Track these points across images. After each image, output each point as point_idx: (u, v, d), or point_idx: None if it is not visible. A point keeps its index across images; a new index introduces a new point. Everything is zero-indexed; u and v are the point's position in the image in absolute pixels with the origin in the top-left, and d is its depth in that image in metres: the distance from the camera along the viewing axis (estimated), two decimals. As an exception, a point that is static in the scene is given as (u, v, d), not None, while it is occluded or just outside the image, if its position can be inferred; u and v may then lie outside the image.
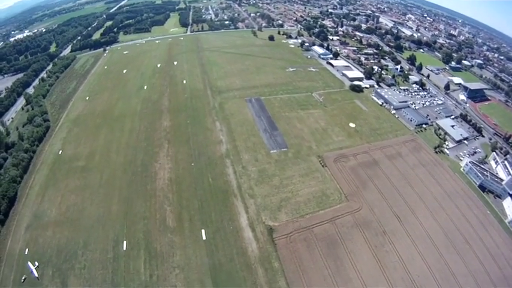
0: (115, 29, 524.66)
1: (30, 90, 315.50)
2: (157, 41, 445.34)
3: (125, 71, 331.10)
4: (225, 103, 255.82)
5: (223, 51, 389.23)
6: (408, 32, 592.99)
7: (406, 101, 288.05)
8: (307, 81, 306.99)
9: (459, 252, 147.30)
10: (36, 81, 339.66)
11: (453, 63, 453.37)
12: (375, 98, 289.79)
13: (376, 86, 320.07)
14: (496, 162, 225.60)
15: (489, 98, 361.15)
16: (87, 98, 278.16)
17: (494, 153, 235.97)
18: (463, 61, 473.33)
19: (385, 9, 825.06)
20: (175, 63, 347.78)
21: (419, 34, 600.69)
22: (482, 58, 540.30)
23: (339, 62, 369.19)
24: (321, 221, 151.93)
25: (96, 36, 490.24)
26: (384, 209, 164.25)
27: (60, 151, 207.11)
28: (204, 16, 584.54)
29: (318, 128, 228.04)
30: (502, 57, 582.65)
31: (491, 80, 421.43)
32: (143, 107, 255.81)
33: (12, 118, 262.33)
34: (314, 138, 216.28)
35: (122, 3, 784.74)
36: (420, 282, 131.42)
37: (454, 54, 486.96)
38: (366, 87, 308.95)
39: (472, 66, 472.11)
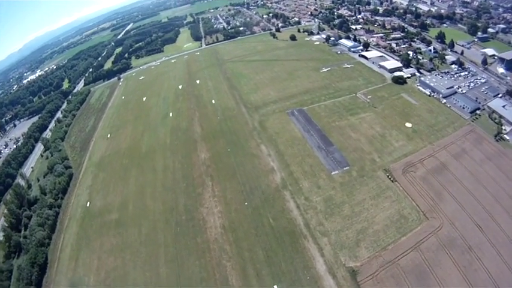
0: (126, 55, 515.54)
1: (47, 133, 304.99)
2: (172, 60, 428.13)
3: (144, 99, 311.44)
4: (266, 121, 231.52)
5: (246, 60, 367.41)
6: (425, 8, 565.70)
7: (452, 87, 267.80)
8: (346, 81, 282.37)
9: None
10: (53, 123, 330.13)
11: (480, 34, 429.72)
12: (421, 88, 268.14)
13: (417, 74, 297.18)
14: None
15: None
16: (109, 135, 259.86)
17: None
18: (488, 29, 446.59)
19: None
20: (197, 81, 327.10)
21: (436, 8, 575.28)
22: (503, 22, 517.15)
23: (372, 53, 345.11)
24: (405, 251, 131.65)
25: (108, 65, 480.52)
26: (464, 220, 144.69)
27: (88, 203, 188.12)
28: (215, 26, 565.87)
29: (374, 135, 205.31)
30: None
31: None
32: (173, 138, 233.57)
33: (32, 168, 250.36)
34: (374, 147, 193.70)
35: (128, 27, 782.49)
36: None
37: (478, 24, 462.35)
38: (408, 77, 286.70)
39: (497, 32, 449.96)
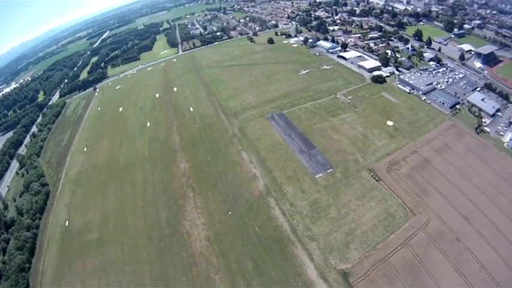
0: (102, 64, 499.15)
1: (23, 149, 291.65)
2: (149, 68, 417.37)
3: (121, 109, 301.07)
4: (246, 127, 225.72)
5: (224, 65, 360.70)
6: (401, 7, 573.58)
7: (432, 83, 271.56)
8: (325, 82, 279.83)
9: None
10: (28, 138, 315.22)
11: (456, 30, 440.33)
12: (401, 86, 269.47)
13: (396, 72, 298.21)
14: None
15: (501, 59, 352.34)
16: (85, 149, 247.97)
17: None
18: (464, 25, 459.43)
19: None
20: (175, 89, 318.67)
21: (412, 6, 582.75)
22: (478, 18, 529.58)
23: (351, 54, 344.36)
24: (395, 248, 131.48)
25: (84, 75, 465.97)
26: (451, 213, 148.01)
27: (67, 222, 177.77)
28: (192, 32, 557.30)
29: (356, 135, 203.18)
30: (494, 12, 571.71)
31: (493, 38, 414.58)
32: (151, 149, 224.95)
33: (8, 187, 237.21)
34: (357, 148, 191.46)
35: (104, 35, 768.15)
36: (501, 280, 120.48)
37: (454, 21, 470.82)
38: (387, 76, 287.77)
39: (473, 28, 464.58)
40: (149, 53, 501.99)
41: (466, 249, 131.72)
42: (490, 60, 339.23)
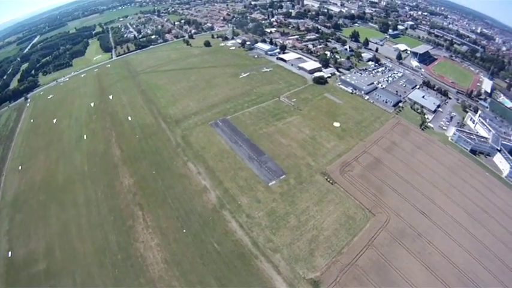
0: (33, 71, 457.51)
1: None
2: (82, 75, 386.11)
3: (55, 121, 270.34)
4: (189, 135, 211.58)
5: (160, 70, 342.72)
6: (336, 9, 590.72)
7: (373, 83, 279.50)
8: (267, 85, 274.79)
9: (483, 224, 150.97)
10: None
11: (391, 31, 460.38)
12: (343, 87, 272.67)
13: (337, 73, 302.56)
14: (473, 121, 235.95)
15: (435, 57, 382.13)
16: (20, 167, 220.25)
17: (469, 113, 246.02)
18: (398, 26, 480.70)
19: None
20: (110, 97, 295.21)
21: (346, 8, 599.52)
22: (411, 19, 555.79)
23: (290, 56, 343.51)
24: (360, 250, 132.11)
25: (14, 84, 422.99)
26: (409, 209, 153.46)
27: (10, 253, 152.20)
28: (126, 35, 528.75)
29: (305, 138, 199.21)
30: (425, 14, 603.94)
31: (427, 38, 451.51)
32: (91, 164, 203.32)
33: None
34: (307, 151, 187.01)
35: (35, 40, 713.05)
36: (466, 268, 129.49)
37: (388, 22, 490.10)
38: (329, 77, 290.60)
39: (406, 29, 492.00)
40: (82, 59, 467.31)
41: (428, 243, 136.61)
42: (425, 59, 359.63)
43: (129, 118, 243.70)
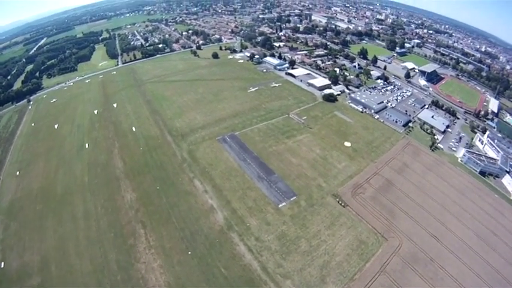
0: (37, 74, 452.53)
1: None
2: (87, 81, 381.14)
3: (56, 126, 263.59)
4: (195, 150, 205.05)
5: (167, 80, 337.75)
6: (343, 25, 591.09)
7: (382, 101, 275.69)
8: (276, 101, 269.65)
9: (492, 247, 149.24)
10: None
11: (398, 49, 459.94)
12: (353, 105, 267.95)
13: (346, 91, 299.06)
14: (482, 142, 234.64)
15: (442, 76, 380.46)
16: (18, 172, 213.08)
17: (478, 134, 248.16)
18: (405, 44, 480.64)
19: (310, 5, 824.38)
20: (115, 105, 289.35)
21: (353, 25, 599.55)
22: (417, 37, 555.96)
23: (299, 71, 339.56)
24: (372, 276, 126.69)
25: (18, 85, 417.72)
26: (421, 233, 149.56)
27: (2, 264, 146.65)
28: (133, 43, 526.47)
29: (316, 158, 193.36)
30: (431, 32, 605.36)
31: (433, 57, 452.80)
32: (91, 175, 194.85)
33: None
34: (318, 172, 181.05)
35: (41, 42, 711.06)
36: None
37: (395, 40, 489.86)
38: (338, 94, 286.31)
39: (413, 47, 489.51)
40: (87, 64, 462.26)
41: (440, 267, 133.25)
42: (433, 77, 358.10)
43: (133, 129, 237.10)
